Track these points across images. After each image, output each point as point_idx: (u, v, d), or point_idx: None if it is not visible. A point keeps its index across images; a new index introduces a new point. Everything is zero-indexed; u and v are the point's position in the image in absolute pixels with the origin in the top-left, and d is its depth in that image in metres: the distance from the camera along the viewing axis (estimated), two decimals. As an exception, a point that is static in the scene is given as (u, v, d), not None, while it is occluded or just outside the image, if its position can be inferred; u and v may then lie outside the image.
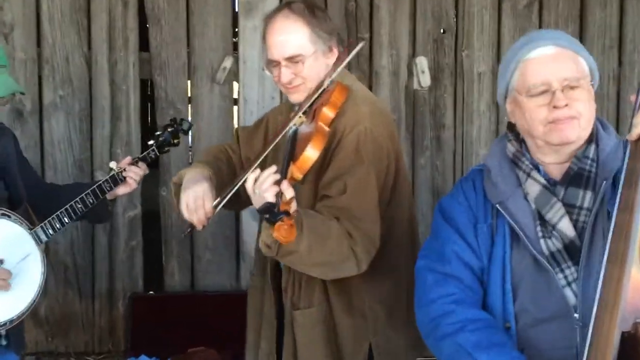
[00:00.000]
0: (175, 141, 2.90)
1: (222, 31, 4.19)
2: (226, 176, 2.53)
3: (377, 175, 2.32)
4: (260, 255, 2.48)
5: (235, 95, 4.33)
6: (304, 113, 2.32)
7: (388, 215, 2.38)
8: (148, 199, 4.24)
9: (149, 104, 6.41)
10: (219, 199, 2.37)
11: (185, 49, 4.17)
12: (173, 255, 4.26)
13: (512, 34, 4.30)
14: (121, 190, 2.94)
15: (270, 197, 2.02)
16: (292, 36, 2.34)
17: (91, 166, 4.16)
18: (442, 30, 4.32)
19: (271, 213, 1.95)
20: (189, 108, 4.27)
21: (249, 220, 4.14)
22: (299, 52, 2.35)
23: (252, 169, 2.20)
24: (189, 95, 4.24)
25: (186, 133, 2.96)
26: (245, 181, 2.16)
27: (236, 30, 4.26)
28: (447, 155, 4.38)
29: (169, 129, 2.91)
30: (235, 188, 2.28)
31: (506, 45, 4.30)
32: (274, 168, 2.09)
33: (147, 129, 6.12)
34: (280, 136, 2.32)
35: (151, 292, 4.30)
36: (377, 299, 2.41)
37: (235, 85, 4.25)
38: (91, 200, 2.87)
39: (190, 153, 4.11)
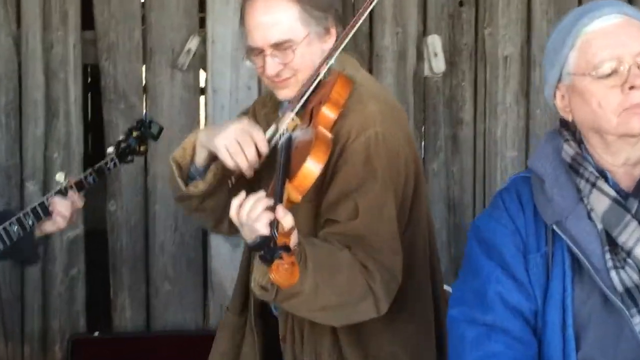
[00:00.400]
0: (142, 148, 2.91)
1: (185, 4, 4.14)
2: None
3: (394, 192, 2.31)
4: (243, 289, 2.50)
5: (202, 84, 4.29)
6: (297, 114, 2.33)
7: (407, 239, 2.37)
8: (92, 215, 4.13)
9: (89, 95, 6.44)
10: (273, 127, 2.35)
11: (139, 27, 4.14)
12: (124, 287, 4.19)
13: (545, 8, 4.28)
14: (48, 226, 2.84)
15: (263, 229, 1.95)
16: (279, 17, 2.33)
17: (21, 175, 4.07)
18: (459, 3, 4.30)
19: (266, 249, 1.89)
20: (144, 100, 4.20)
21: (219, 243, 4.11)
22: (288, 37, 2.33)
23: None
24: (144, 84, 4.19)
25: (156, 138, 2.94)
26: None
27: (202, 2, 4.22)
28: (465, 158, 4.36)
29: (135, 133, 2.89)
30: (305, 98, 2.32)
31: (537, 21, 4.29)
32: (262, 192, 2.07)
33: (90, 128, 6.12)
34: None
35: (96, 334, 4.22)
36: (399, 343, 2.39)
37: (202, 72, 4.24)
38: (31, 222, 2.81)
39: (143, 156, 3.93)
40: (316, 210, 2.31)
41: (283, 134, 2.31)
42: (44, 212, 2.81)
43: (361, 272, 2.20)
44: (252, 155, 2.30)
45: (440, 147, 4.36)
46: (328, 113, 2.26)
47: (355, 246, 2.22)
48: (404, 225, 2.37)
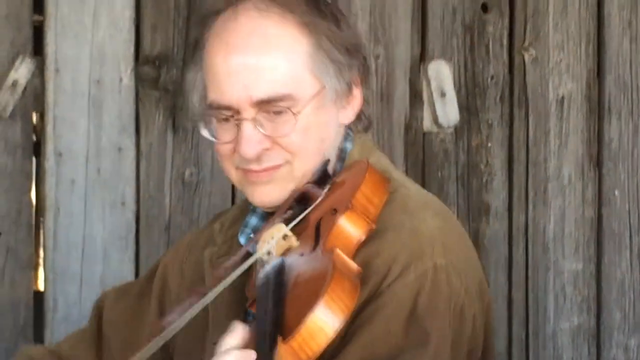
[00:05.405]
0: None
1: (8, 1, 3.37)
2: None
3: None
4: None
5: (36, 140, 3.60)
6: (293, 225, 1.93)
7: None
8: None
9: None
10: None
11: None
12: None
13: (625, 16, 3.53)
14: None
15: None
16: (276, 56, 1.93)
17: None
18: (482, 6, 3.52)
19: None
20: None
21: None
22: (287, 91, 1.93)
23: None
24: None
25: None
26: None
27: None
28: (495, 273, 3.62)
29: None
30: None
31: (614, 37, 3.56)
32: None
33: None
34: (227, 280, 1.83)
35: None
36: None
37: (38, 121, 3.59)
38: None
39: None
40: None
41: (267, 260, 1.85)
42: None
43: None
44: None
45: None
46: (350, 229, 1.85)
47: None
48: None
